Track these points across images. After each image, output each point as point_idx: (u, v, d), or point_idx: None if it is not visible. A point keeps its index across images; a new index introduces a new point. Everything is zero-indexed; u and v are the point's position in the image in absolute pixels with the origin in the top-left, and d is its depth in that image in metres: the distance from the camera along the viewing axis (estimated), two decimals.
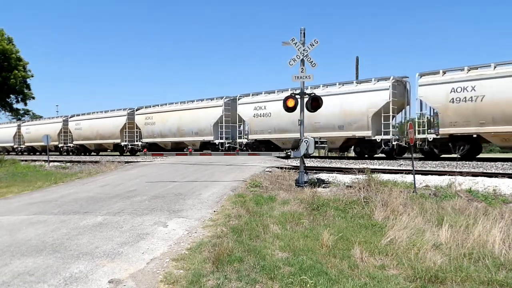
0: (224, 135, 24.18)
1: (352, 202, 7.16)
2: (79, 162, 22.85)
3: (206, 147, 25.76)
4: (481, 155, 17.30)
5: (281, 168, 13.39)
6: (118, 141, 30.84)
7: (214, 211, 6.84)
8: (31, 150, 39.48)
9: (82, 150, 34.87)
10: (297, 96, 9.84)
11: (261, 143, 22.85)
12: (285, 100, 9.72)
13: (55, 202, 8.06)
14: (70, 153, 35.52)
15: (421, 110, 17.42)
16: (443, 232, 4.90)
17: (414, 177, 8.78)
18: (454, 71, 16.24)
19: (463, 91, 15.51)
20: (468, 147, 15.86)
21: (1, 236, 5.40)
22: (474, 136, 15.64)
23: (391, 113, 17.70)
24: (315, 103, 9.70)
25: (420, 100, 17.20)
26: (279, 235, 5.23)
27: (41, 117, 54.17)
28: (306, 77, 9.74)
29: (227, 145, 24.24)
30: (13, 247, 4.82)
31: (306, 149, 9.61)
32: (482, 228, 4.90)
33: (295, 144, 9.09)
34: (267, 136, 22.29)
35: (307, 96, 9.80)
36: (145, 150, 13.89)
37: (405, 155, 18.98)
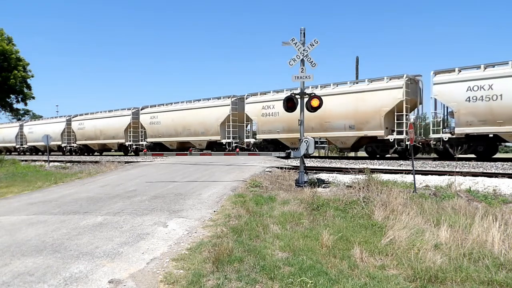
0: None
1: (352, 202, 7.16)
2: (79, 162, 22.88)
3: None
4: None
5: (281, 168, 13.40)
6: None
7: (214, 211, 6.84)
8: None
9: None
10: (297, 96, 9.84)
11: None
12: (285, 100, 9.74)
13: (55, 202, 8.06)
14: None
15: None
16: (443, 232, 4.90)
17: (414, 177, 8.79)
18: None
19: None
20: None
21: (1, 236, 5.41)
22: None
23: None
24: (315, 104, 9.70)
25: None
26: (279, 235, 5.23)
27: (41, 117, 54.30)
28: (306, 77, 9.74)
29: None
30: (13, 247, 4.82)
31: (306, 149, 9.61)
32: (482, 228, 4.90)
33: None
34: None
35: (307, 96, 9.80)
36: (145, 150, 13.89)
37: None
